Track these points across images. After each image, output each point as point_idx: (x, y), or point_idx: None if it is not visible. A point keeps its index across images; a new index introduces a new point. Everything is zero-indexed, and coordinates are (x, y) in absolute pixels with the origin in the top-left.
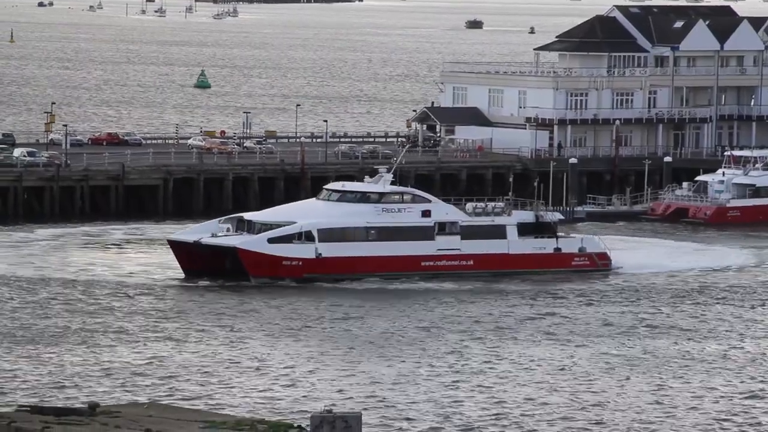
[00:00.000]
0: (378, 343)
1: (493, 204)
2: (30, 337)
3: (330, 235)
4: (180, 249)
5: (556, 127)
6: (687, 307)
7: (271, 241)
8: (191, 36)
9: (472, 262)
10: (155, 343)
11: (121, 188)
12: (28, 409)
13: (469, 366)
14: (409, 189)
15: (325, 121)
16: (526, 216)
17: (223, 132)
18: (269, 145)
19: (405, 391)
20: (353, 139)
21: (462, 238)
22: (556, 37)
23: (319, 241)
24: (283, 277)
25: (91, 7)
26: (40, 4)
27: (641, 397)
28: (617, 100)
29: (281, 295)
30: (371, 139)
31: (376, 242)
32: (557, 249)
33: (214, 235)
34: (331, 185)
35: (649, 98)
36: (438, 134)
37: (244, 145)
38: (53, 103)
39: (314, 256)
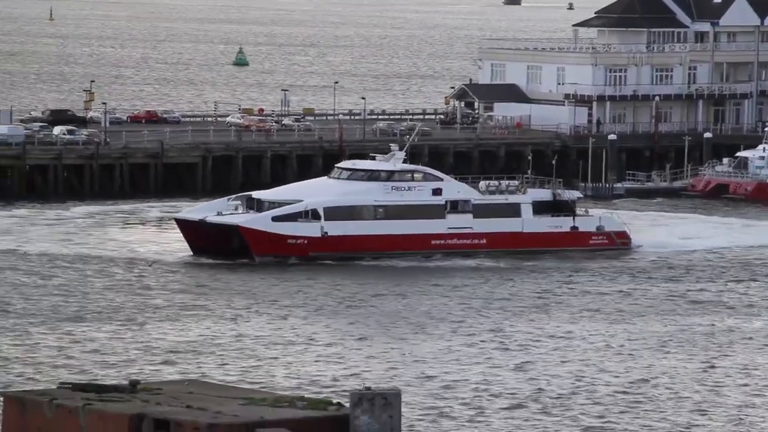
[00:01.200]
0: (416, 321)
1: (507, 182)
2: (70, 315)
3: (336, 213)
4: (186, 227)
5: (595, 104)
6: (723, 285)
7: (275, 219)
8: (230, 13)
9: (484, 241)
10: (195, 321)
11: (160, 166)
12: (70, 386)
13: (508, 343)
14: (420, 167)
15: (363, 98)
16: (543, 194)
17: (261, 110)
18: (307, 123)
19: (444, 368)
20: (391, 117)
21: (474, 217)
22: (595, 12)
23: (325, 219)
24: (288, 255)
25: None
26: None
27: (688, 374)
28: (657, 76)
29: (317, 273)
30: (409, 117)
31: (385, 220)
32: (574, 227)
33: (219, 214)
34: (343, 163)
35: (689, 74)
36: (476, 111)
37: (283, 122)
38: (92, 81)
39: (320, 235)
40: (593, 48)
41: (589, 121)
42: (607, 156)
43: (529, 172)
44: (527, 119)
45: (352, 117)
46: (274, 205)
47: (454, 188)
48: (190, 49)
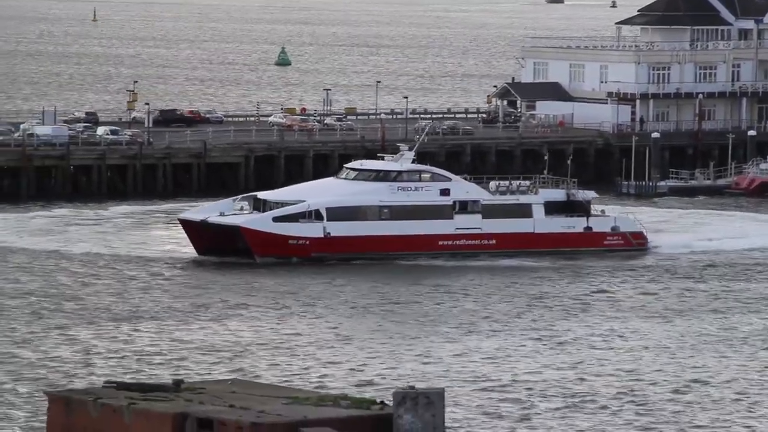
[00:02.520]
0: (458, 320)
1: (518, 182)
2: (115, 315)
3: (339, 213)
4: (190, 228)
5: (638, 102)
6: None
7: (276, 219)
8: (274, 13)
9: (494, 242)
10: (238, 320)
11: (203, 166)
12: (114, 385)
13: (552, 342)
14: (428, 167)
15: (406, 97)
16: (556, 194)
17: (303, 109)
18: (349, 122)
19: (488, 367)
20: (433, 116)
21: (483, 217)
22: (638, 10)
23: (328, 219)
24: (290, 256)
25: None
26: None
27: (742, 373)
28: (700, 73)
29: (356, 272)
30: (451, 116)
31: (390, 221)
32: (588, 228)
33: (222, 214)
34: (351, 164)
35: (733, 71)
36: (519, 110)
37: (325, 122)
38: (135, 82)
39: (322, 235)
40: (636, 46)
41: (633, 120)
42: (650, 154)
43: (545, 172)
44: (570, 118)
45: (395, 116)
46: (278, 205)
47: (462, 188)
48: (234, 50)
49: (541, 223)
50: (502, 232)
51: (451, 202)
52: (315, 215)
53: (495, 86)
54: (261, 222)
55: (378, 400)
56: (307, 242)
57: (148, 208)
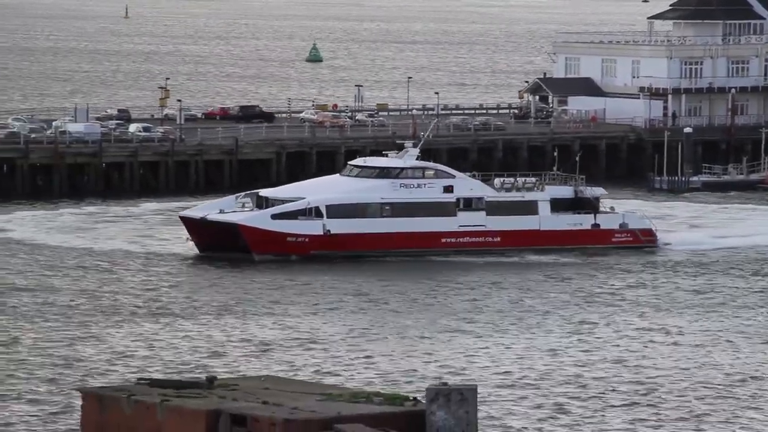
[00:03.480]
0: (489, 316)
1: (523, 179)
2: (147, 312)
3: (340, 211)
4: (191, 225)
5: (670, 97)
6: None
7: (274, 217)
8: (305, 9)
9: (498, 239)
10: (271, 317)
11: (235, 162)
12: (148, 382)
13: (584, 338)
14: (432, 164)
15: (437, 93)
16: (563, 191)
17: (335, 105)
18: (381, 118)
19: (520, 363)
20: (465, 111)
21: (487, 214)
22: (671, 5)
23: (328, 217)
24: (289, 254)
25: None
26: None
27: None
28: (733, 68)
29: (386, 270)
30: (483, 111)
31: (391, 218)
32: (595, 225)
33: (222, 212)
34: (355, 161)
35: (766, 66)
36: (551, 105)
37: (356, 118)
38: (167, 79)
39: (322, 233)
40: (668, 40)
41: (665, 114)
42: (682, 149)
43: (554, 168)
44: (602, 113)
45: (426, 112)
46: (279, 203)
47: (466, 185)
48: (266, 46)
49: (546, 220)
50: (507, 230)
51: (454, 199)
52: (315, 212)
53: (527, 81)
54: (259, 219)
55: (411, 397)
56: (306, 240)
57: (179, 205)
